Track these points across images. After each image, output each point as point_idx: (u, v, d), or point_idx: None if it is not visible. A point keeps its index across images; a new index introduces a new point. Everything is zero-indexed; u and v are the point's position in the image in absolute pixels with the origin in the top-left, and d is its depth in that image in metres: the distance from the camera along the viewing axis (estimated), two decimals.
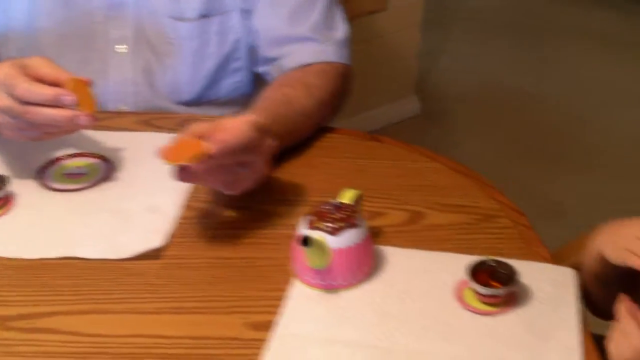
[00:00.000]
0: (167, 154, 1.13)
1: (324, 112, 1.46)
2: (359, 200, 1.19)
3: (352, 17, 2.90)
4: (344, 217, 1.13)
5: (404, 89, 3.38)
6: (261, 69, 1.60)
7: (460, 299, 1.13)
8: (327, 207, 1.14)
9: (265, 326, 1.09)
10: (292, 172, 1.38)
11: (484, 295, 1.11)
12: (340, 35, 1.55)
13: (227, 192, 1.23)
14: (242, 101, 1.63)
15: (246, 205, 1.29)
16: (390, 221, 1.28)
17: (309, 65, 1.50)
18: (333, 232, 1.12)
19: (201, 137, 1.16)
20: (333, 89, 1.48)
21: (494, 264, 1.14)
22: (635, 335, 1.01)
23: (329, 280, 1.14)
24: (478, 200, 1.32)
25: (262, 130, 1.19)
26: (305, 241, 1.08)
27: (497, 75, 3.78)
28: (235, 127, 1.15)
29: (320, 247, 1.10)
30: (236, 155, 1.16)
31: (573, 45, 4.08)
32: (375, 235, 1.24)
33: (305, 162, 1.41)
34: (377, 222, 1.27)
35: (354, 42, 2.95)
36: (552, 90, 3.60)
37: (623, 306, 1.04)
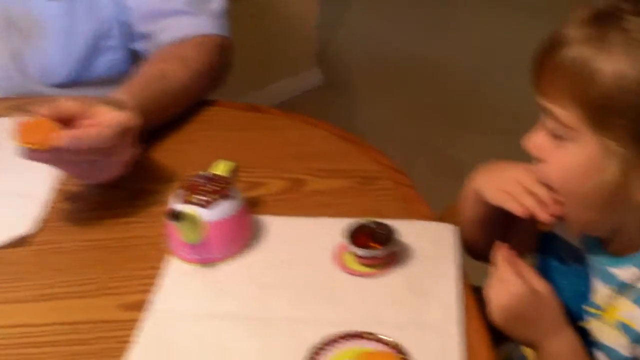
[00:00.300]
0: (19, 133, 1.08)
1: (202, 85, 1.43)
2: (233, 171, 1.16)
3: None
4: (217, 189, 1.10)
5: (305, 60, 3.35)
6: (137, 46, 1.55)
7: (341, 263, 1.12)
8: (199, 180, 1.11)
9: (140, 306, 1.06)
10: (171, 147, 1.35)
11: (363, 257, 1.10)
12: (216, 7, 1.52)
13: (85, 182, 1.20)
14: (119, 80, 1.56)
15: (122, 185, 1.25)
16: (269, 190, 1.26)
17: (185, 38, 1.46)
18: (205, 204, 1.09)
19: (67, 118, 1.12)
20: (211, 61, 1.44)
21: (372, 226, 1.12)
22: (512, 281, 1.01)
23: (205, 254, 1.11)
24: (359, 163, 1.31)
25: (125, 130, 1.16)
26: (176, 216, 1.05)
27: (398, 43, 3.78)
28: (97, 127, 1.12)
29: (193, 221, 1.07)
30: (89, 155, 1.13)
31: (475, 9, 4.10)
32: (254, 205, 1.22)
33: (184, 137, 1.38)
34: (256, 192, 1.25)
35: (249, 15, 2.94)
36: (453, 55, 3.62)
37: (500, 254, 1.04)
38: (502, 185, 1.06)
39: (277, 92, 3.23)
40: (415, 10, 4.08)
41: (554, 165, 0.93)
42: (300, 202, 1.24)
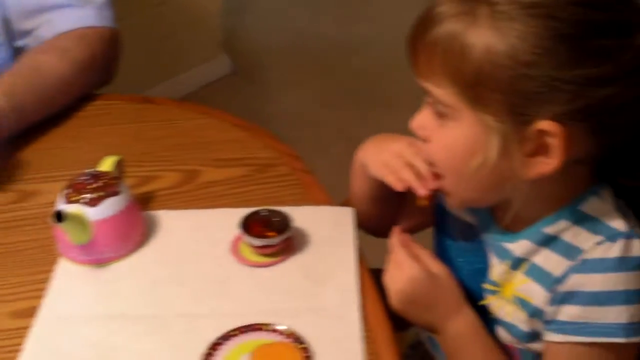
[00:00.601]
0: None
1: (85, 78, 1.38)
2: (119, 166, 1.13)
3: None
4: (103, 186, 1.07)
5: (213, 48, 3.30)
6: (21, 43, 1.49)
7: (237, 254, 1.10)
8: (83, 178, 1.08)
9: (32, 313, 1.02)
10: (60, 145, 1.31)
11: (258, 247, 1.08)
12: None
13: None
14: None
15: (8, 187, 1.21)
16: (163, 184, 1.23)
17: (66, 31, 1.41)
18: (91, 203, 1.05)
19: None
20: (93, 53, 1.40)
21: (267, 214, 1.10)
22: (408, 265, 1.00)
23: (96, 255, 1.08)
24: (256, 151, 1.29)
25: None
26: (59, 217, 1.01)
27: (310, 27, 3.76)
28: None
29: (79, 221, 1.04)
30: None
31: None
32: (148, 200, 1.19)
33: (73, 133, 1.34)
34: (150, 187, 1.22)
35: (151, 5, 2.88)
36: (366, 38, 3.61)
37: (395, 238, 1.03)
38: (384, 159, 1.05)
39: (186, 82, 3.18)
40: None
41: (437, 144, 0.92)
42: (196, 194, 1.21)
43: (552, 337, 0.92)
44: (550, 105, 0.81)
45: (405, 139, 1.05)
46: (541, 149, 0.84)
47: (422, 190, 1.00)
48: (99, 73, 1.42)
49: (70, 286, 1.06)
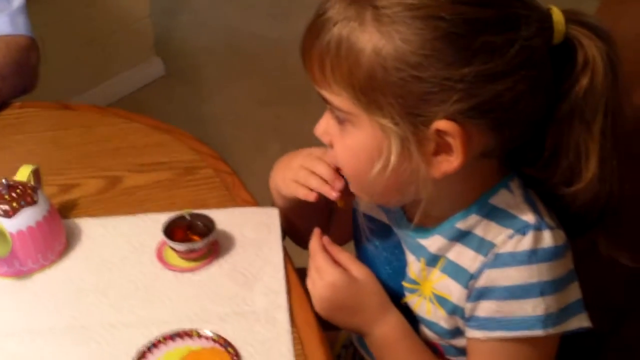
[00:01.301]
0: None
1: None
2: (35, 175, 1.10)
3: None
4: (19, 196, 1.04)
5: (144, 51, 3.26)
6: None
7: (162, 259, 1.08)
8: None
9: None
10: None
11: (182, 252, 1.06)
12: (17, 4, 1.43)
13: None
14: None
15: None
16: (85, 191, 1.20)
17: None
18: (8, 214, 1.02)
19: None
20: (7, 63, 1.36)
21: (189, 218, 1.09)
22: (328, 271, 0.99)
23: (17, 267, 1.05)
24: (179, 154, 1.27)
25: None
26: None
27: (245, 26, 3.74)
28: None
29: None
30: None
31: None
32: (70, 209, 1.16)
33: None
34: (71, 195, 1.19)
35: (77, 7, 2.83)
36: (294, 33, 3.60)
37: (314, 242, 1.02)
38: (291, 176, 1.06)
39: (117, 87, 3.14)
40: None
41: (340, 150, 0.91)
42: (119, 200, 1.19)
43: (472, 333, 0.92)
44: (444, 105, 0.81)
45: (305, 151, 1.05)
46: (442, 148, 0.84)
47: (332, 193, 1.00)
48: (11, 82, 1.38)
49: None
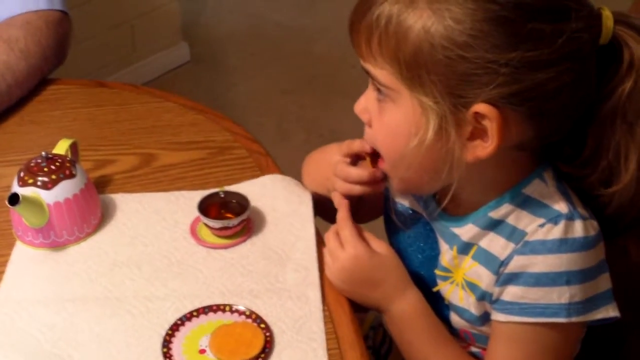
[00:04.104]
0: None
1: (34, 64, 1.36)
2: (73, 149, 1.12)
3: None
4: (58, 169, 1.06)
5: (171, 36, 3.27)
6: None
7: (196, 236, 1.09)
8: (37, 161, 1.06)
9: None
10: (14, 130, 1.30)
11: (216, 229, 1.08)
12: None
13: None
14: None
15: None
16: (120, 167, 1.22)
17: (11, 17, 1.38)
18: (46, 185, 1.04)
19: None
20: (39, 39, 1.37)
21: (224, 196, 1.10)
22: (353, 243, 1.00)
23: (52, 238, 1.07)
24: (212, 134, 1.29)
25: None
26: (14, 200, 1.00)
27: (267, 12, 3.75)
28: None
29: (34, 203, 1.03)
30: None
31: None
32: (105, 184, 1.18)
33: (28, 118, 1.33)
34: (106, 170, 1.21)
35: None
36: (324, 25, 3.61)
37: (343, 213, 1.03)
38: (320, 177, 1.10)
39: (145, 70, 3.15)
40: None
41: (378, 127, 0.92)
42: (153, 178, 1.20)
43: (496, 316, 0.93)
44: (485, 88, 0.82)
45: (334, 148, 1.08)
46: (478, 133, 0.85)
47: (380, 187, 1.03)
48: (50, 59, 1.39)
49: (27, 270, 1.05)
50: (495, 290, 0.93)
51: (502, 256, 0.92)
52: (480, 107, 0.83)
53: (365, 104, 0.93)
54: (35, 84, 1.37)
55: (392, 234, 1.10)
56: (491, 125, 0.84)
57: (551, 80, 0.82)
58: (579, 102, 0.87)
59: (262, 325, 0.96)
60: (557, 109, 0.85)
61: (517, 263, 0.90)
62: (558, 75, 0.82)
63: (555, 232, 0.88)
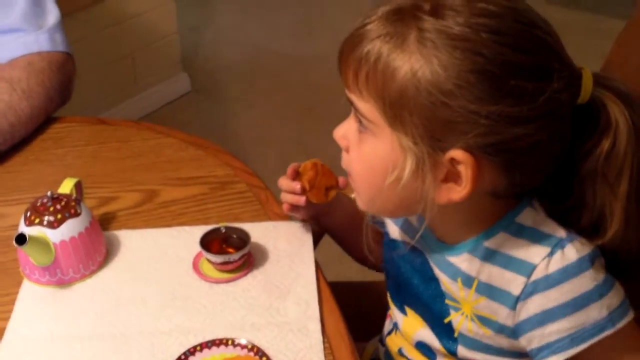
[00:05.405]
0: None
1: (37, 104, 1.39)
2: (79, 187, 1.15)
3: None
4: (63, 208, 1.08)
5: (172, 67, 3.31)
6: None
7: (198, 271, 1.12)
8: (43, 201, 1.09)
9: None
10: (17, 169, 1.32)
11: (218, 264, 1.10)
12: (53, 21, 1.47)
13: None
14: None
15: None
16: (123, 204, 1.24)
17: (14, 58, 1.41)
18: (52, 225, 1.07)
19: None
20: (44, 80, 1.40)
21: (225, 231, 1.13)
22: None
23: (59, 275, 1.09)
24: (213, 169, 1.31)
25: None
26: (21, 239, 1.03)
27: (268, 43, 3.79)
28: None
29: (40, 242, 1.05)
30: None
31: (335, 3, 4.15)
32: (109, 221, 1.20)
33: (32, 157, 1.36)
34: (110, 207, 1.23)
35: (106, 25, 2.88)
36: (323, 53, 3.63)
37: None
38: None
39: (146, 101, 3.19)
40: (283, 10, 4.09)
41: (356, 156, 0.94)
42: (156, 213, 1.23)
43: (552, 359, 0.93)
44: (464, 136, 0.83)
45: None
46: (452, 176, 0.87)
47: (299, 200, 1.14)
48: (54, 100, 1.42)
49: (34, 308, 1.07)
50: (531, 336, 0.93)
51: (516, 291, 0.92)
52: (457, 153, 0.84)
53: (345, 132, 0.95)
54: (39, 123, 1.40)
55: (395, 269, 1.10)
56: (466, 171, 0.85)
57: (528, 135, 0.84)
58: (553, 158, 0.89)
59: (264, 359, 0.98)
60: (530, 163, 0.87)
61: (543, 300, 0.90)
62: (535, 131, 0.84)
63: (569, 255, 0.89)
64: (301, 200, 1.13)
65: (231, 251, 1.11)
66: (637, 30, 1.26)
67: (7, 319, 1.05)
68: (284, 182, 1.15)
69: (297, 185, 1.12)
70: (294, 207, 1.16)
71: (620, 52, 1.26)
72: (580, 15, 3.97)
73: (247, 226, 1.13)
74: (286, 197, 1.15)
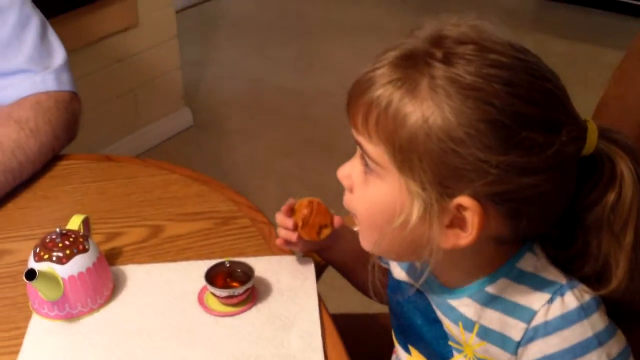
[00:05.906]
0: None
1: (45, 142, 1.42)
2: (86, 223, 1.18)
3: (104, 37, 2.88)
4: (72, 244, 1.11)
5: (173, 102, 3.35)
6: None
7: (203, 304, 1.14)
8: (52, 237, 1.12)
9: None
10: (26, 205, 1.35)
11: (223, 298, 1.12)
12: (58, 61, 1.51)
13: None
14: None
15: None
16: (130, 239, 1.27)
17: (22, 98, 1.45)
18: (61, 260, 1.09)
19: None
20: (51, 119, 1.44)
21: (229, 265, 1.15)
22: None
23: (68, 310, 1.12)
24: (217, 204, 1.34)
25: None
26: (31, 275, 1.05)
27: (264, 76, 3.84)
28: None
29: (49, 278, 1.08)
30: None
31: (335, 39, 4.20)
32: (115, 256, 1.23)
33: (40, 193, 1.38)
34: (116, 242, 1.26)
35: (109, 61, 2.93)
36: (322, 87, 3.69)
37: None
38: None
39: (148, 136, 3.22)
40: (283, 45, 4.14)
41: (361, 197, 0.95)
42: (161, 248, 1.25)
43: None
44: (472, 184, 0.84)
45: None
46: (457, 222, 0.88)
47: (292, 237, 1.17)
48: (61, 137, 1.45)
49: (43, 341, 1.09)
50: None
51: (517, 336, 0.93)
52: (465, 200, 0.85)
53: (350, 172, 0.96)
54: (46, 160, 1.43)
55: (400, 310, 1.11)
56: (472, 218, 0.86)
57: (535, 186, 0.85)
58: (558, 208, 0.90)
59: None
60: (536, 212, 0.88)
61: (543, 346, 0.91)
62: (542, 182, 0.85)
63: (569, 303, 0.90)
64: (293, 236, 1.16)
65: (235, 285, 1.13)
66: (632, 65, 1.29)
67: (16, 352, 1.07)
68: (278, 218, 1.18)
69: (289, 222, 1.15)
70: (288, 242, 1.19)
71: (617, 87, 1.29)
72: (581, 47, 4.02)
73: (251, 260, 1.16)
74: (280, 232, 1.19)
